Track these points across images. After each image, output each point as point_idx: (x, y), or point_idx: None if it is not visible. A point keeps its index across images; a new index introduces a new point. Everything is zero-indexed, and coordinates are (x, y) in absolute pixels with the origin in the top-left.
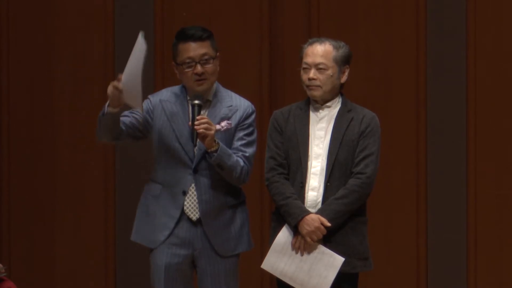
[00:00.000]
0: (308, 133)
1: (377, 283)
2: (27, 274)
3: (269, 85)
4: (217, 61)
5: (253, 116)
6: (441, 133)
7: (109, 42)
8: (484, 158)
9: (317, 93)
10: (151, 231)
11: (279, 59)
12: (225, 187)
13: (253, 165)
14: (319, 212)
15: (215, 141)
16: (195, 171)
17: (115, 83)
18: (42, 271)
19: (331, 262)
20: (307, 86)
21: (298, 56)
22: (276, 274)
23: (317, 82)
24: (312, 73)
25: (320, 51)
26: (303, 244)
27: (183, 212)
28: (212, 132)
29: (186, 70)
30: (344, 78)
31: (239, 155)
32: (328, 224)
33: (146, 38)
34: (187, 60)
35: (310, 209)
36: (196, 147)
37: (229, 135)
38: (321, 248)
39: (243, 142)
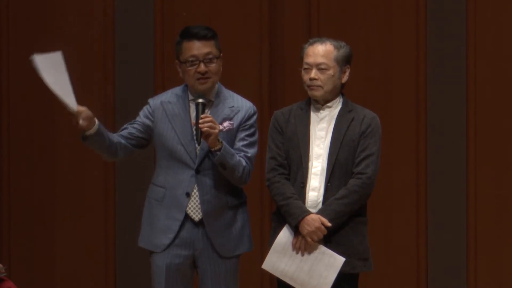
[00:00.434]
0: (309, 133)
1: (377, 283)
2: (27, 274)
3: (269, 85)
4: (220, 61)
5: (255, 117)
6: (441, 133)
7: (109, 42)
8: (484, 158)
9: (318, 93)
10: (156, 236)
11: (279, 59)
12: (227, 187)
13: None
14: (320, 212)
15: (218, 140)
16: (197, 171)
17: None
18: (42, 271)
19: (331, 262)
20: (308, 86)
21: (299, 56)
22: (277, 274)
23: (318, 82)
24: (313, 73)
25: (321, 51)
26: (303, 244)
27: (186, 214)
28: (216, 130)
29: (189, 68)
30: (345, 78)
31: (241, 155)
32: (329, 224)
33: (146, 38)
34: (191, 59)
35: (310, 209)
36: (199, 147)
37: (230, 136)
38: (322, 248)
39: (245, 142)
